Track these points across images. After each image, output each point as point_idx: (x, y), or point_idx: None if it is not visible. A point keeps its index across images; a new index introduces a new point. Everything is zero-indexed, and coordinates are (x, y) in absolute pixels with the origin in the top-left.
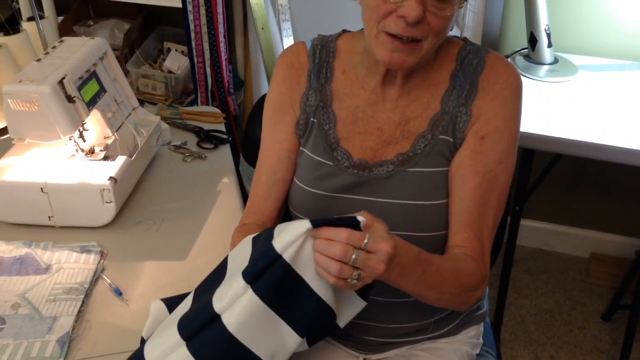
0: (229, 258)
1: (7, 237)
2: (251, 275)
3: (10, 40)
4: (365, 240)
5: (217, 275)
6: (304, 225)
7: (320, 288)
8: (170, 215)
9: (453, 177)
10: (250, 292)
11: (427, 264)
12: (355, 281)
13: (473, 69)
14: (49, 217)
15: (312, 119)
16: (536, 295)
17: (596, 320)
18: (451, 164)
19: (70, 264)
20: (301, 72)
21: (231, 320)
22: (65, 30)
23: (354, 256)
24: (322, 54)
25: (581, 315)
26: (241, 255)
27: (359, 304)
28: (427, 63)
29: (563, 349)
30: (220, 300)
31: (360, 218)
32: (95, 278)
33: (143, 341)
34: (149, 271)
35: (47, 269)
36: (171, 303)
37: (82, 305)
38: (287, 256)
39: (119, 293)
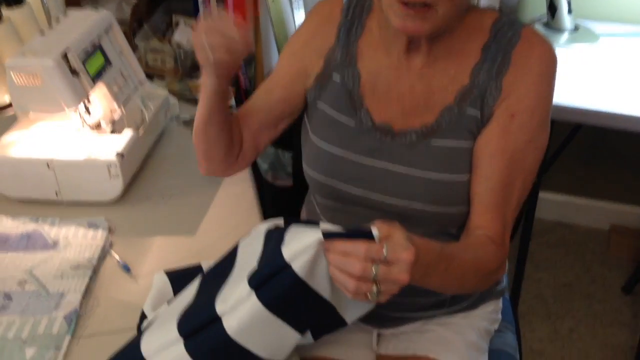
0: (239, 246)
1: (13, 212)
2: (256, 281)
3: (14, 14)
4: (384, 252)
5: (226, 265)
6: (315, 235)
7: (330, 294)
8: (179, 190)
9: (479, 154)
10: (254, 298)
11: (449, 260)
12: (376, 296)
13: (507, 41)
14: (56, 192)
15: (333, 75)
16: (555, 269)
17: (616, 293)
18: (477, 140)
19: (77, 240)
20: (332, 26)
21: (232, 324)
22: (72, 2)
23: (374, 271)
24: (355, 10)
25: (601, 288)
26: (252, 248)
27: (368, 305)
28: (452, 31)
29: (582, 322)
30: (223, 302)
31: (375, 231)
32: (103, 254)
33: (143, 315)
34: (158, 247)
35: (55, 245)
36: (175, 277)
37: (89, 282)
38: (296, 266)
39: (127, 269)
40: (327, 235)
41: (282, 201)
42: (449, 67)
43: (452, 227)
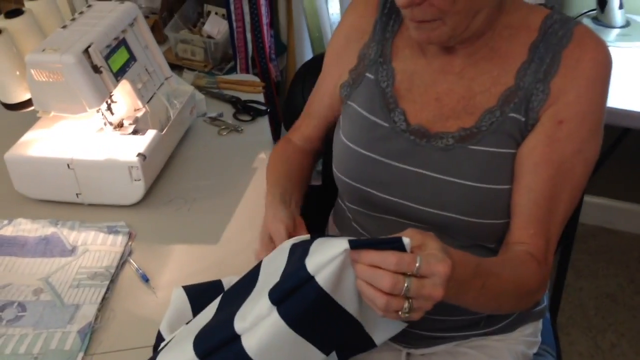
0: (263, 262)
1: (34, 214)
2: (278, 296)
3: (36, 6)
4: (417, 264)
5: (248, 282)
6: (341, 245)
7: (357, 311)
8: (203, 193)
9: (522, 163)
10: (275, 315)
11: (487, 276)
12: (408, 313)
13: (557, 41)
14: (77, 194)
15: (367, 73)
16: (596, 277)
17: None
18: (521, 147)
19: (96, 246)
20: (368, 21)
21: (251, 343)
22: None
23: (405, 285)
24: (393, 5)
25: None
26: (275, 263)
27: (399, 324)
28: (493, 30)
29: (625, 336)
30: (242, 320)
31: (406, 240)
32: (122, 262)
33: (159, 337)
34: (178, 255)
35: (73, 250)
36: (194, 293)
37: (106, 292)
38: (320, 279)
39: (145, 279)
40: (355, 245)
41: (310, 200)
42: (491, 68)
43: (490, 240)
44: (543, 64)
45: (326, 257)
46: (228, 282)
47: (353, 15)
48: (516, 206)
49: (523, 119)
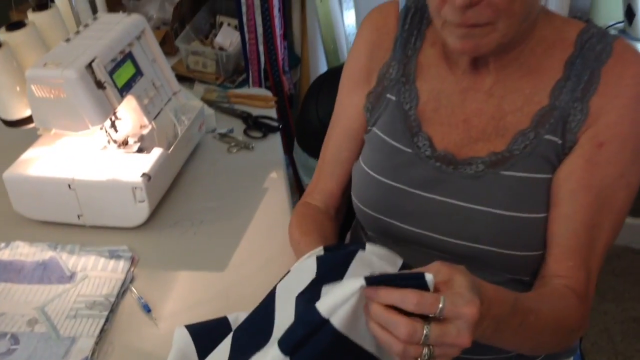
0: (277, 290)
1: (32, 236)
2: (290, 346)
3: (39, 17)
4: (440, 305)
5: (262, 319)
6: (356, 282)
7: (376, 347)
8: (210, 215)
9: (559, 189)
10: None
11: (525, 314)
12: None
13: (595, 56)
14: (78, 215)
15: (387, 95)
16: (622, 300)
17: None
18: (558, 172)
19: (96, 272)
20: (387, 38)
21: None
22: (113, 3)
23: (425, 332)
24: (414, 19)
25: None
26: (291, 292)
27: None
28: (525, 45)
29: None
30: None
31: (429, 277)
32: (123, 290)
33: None
34: (182, 283)
35: (72, 276)
36: (198, 332)
37: (105, 323)
38: (335, 320)
39: (147, 310)
40: (371, 282)
41: None
42: (523, 86)
43: (525, 273)
44: (581, 82)
45: (340, 296)
46: (234, 318)
47: (373, 32)
48: (553, 236)
49: (560, 141)
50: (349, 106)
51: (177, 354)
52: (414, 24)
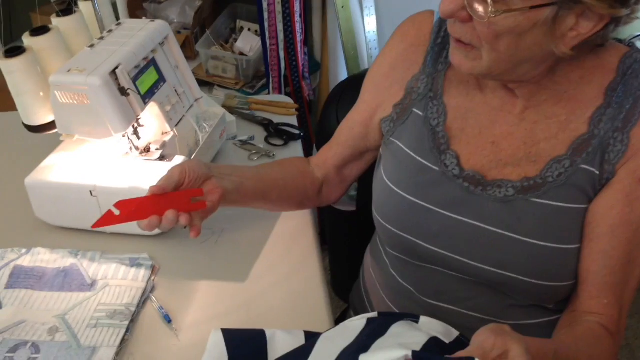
0: (320, 339)
1: (53, 242)
2: None
3: (63, 22)
4: None
5: (298, 355)
6: (402, 352)
7: None
8: (231, 224)
9: (597, 224)
10: None
11: None
12: None
13: (639, 84)
14: None
15: (414, 109)
16: None
17: None
18: (594, 205)
19: (117, 280)
20: (417, 50)
21: None
22: (134, 7)
23: None
24: (448, 34)
25: None
26: (333, 344)
27: None
28: (546, 78)
29: None
30: None
31: None
32: (144, 299)
33: None
34: (203, 294)
35: (92, 284)
36: (233, 340)
37: (126, 333)
38: None
39: (168, 320)
40: (417, 357)
41: (342, 226)
42: (559, 112)
43: (551, 302)
44: (622, 110)
45: (383, 358)
46: (271, 334)
47: (403, 43)
48: (588, 273)
49: (597, 172)
50: (367, 101)
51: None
52: (447, 37)
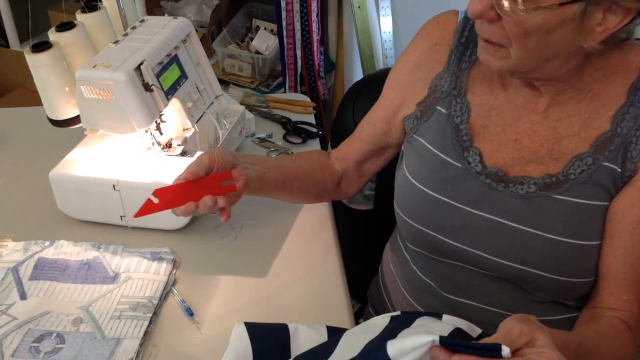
0: (344, 335)
1: (76, 235)
2: None
3: (88, 19)
4: None
5: (322, 350)
6: (429, 337)
7: None
8: (251, 220)
9: (619, 221)
10: None
11: (586, 356)
12: None
13: None
14: (121, 216)
15: (437, 107)
16: None
17: None
18: (616, 202)
19: (139, 274)
20: (442, 49)
21: None
22: (152, 5)
23: None
24: (472, 32)
25: None
26: (357, 339)
27: None
28: (574, 76)
29: None
30: None
31: (505, 351)
32: (166, 292)
33: None
34: (224, 288)
35: (115, 277)
36: (257, 333)
37: (149, 325)
38: None
39: (190, 313)
40: (444, 342)
41: (357, 225)
42: (582, 110)
43: (571, 298)
44: None
45: (410, 343)
46: (294, 328)
47: (426, 42)
48: (609, 269)
49: (619, 170)
50: (389, 98)
51: (234, 353)
52: (472, 36)
